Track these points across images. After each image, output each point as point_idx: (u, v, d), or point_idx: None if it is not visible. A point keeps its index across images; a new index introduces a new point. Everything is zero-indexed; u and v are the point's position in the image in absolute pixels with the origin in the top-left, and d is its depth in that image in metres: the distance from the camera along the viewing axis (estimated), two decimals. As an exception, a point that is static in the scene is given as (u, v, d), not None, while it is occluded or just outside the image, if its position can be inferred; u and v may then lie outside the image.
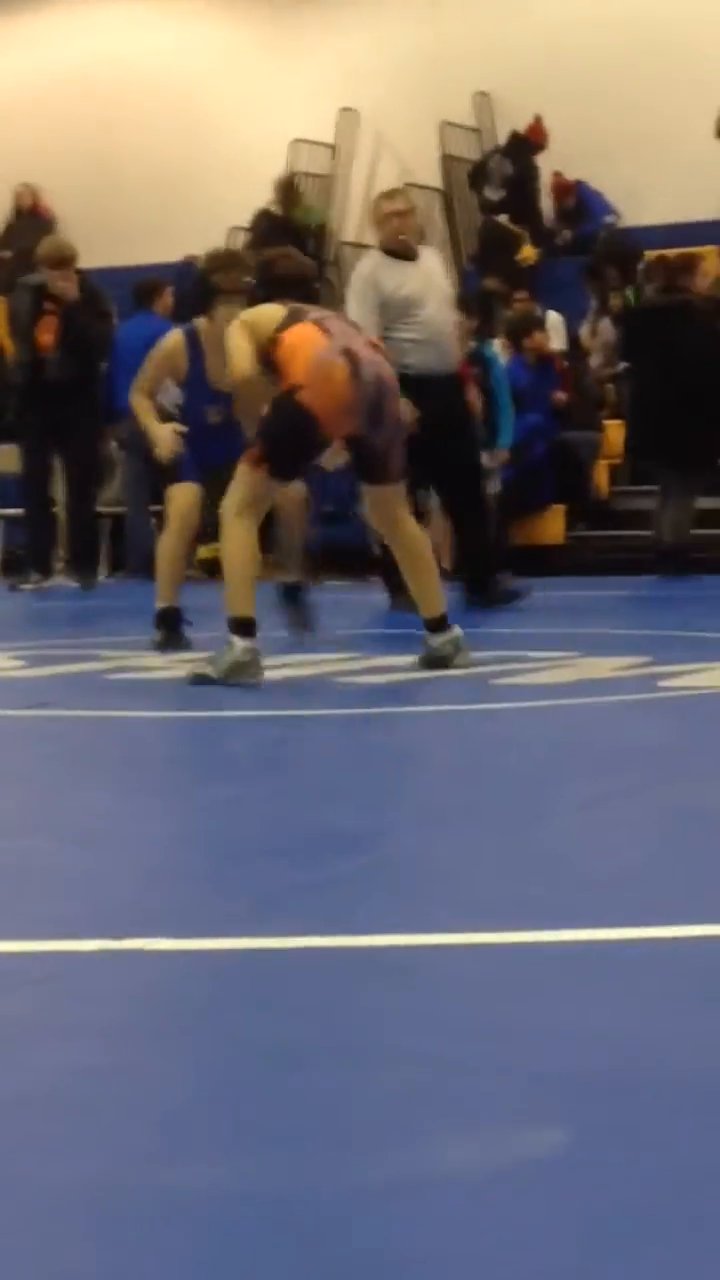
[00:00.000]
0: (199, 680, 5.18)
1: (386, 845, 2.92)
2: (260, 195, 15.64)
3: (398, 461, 5.54)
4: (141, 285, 12.04)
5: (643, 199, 14.43)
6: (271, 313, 5.55)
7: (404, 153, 16.18)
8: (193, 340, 6.45)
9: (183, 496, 6.42)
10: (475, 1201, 1.43)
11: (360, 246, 16.44)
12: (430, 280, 8.12)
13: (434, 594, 5.62)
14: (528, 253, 14.62)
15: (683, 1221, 1.40)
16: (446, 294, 8.23)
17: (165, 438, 6.35)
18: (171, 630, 6.40)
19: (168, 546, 6.53)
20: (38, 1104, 1.68)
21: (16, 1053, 1.84)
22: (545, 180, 15.31)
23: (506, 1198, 1.44)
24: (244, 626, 5.23)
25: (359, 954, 2.21)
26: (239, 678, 5.12)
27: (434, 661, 5.54)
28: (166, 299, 11.68)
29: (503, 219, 15.16)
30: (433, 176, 16.15)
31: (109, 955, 2.18)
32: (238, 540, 5.39)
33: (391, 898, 2.52)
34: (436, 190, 16.19)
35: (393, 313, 7.96)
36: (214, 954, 2.21)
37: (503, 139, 15.77)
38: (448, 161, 16.06)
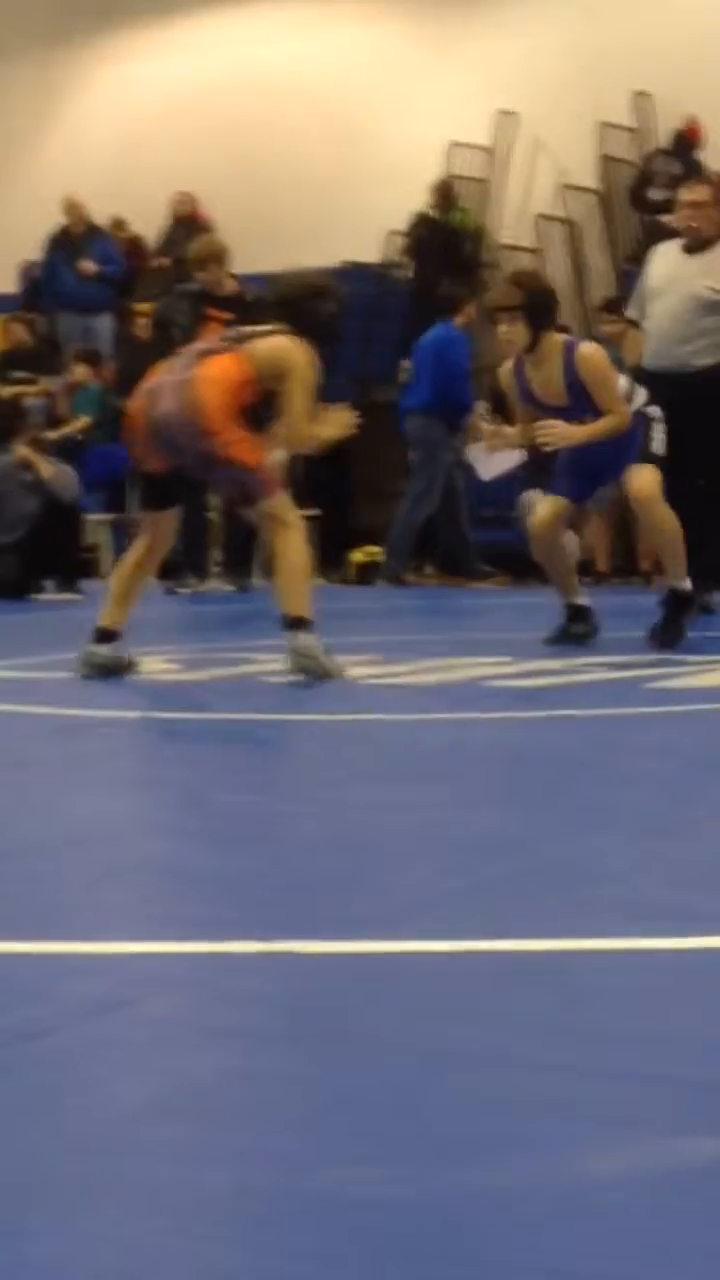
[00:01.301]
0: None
1: (539, 850, 2.90)
2: (417, 199, 15.65)
3: (234, 486, 5.73)
4: (445, 297, 12.58)
5: None
6: None
7: (561, 155, 16.11)
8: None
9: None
10: (624, 1210, 1.42)
11: (517, 249, 16.41)
12: (688, 278, 7.88)
13: (297, 597, 5.53)
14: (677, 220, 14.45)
15: None
16: (696, 293, 7.85)
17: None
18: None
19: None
20: (184, 1108, 1.69)
21: (164, 1056, 1.85)
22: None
23: (655, 1207, 1.42)
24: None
25: (511, 959, 2.20)
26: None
27: (303, 667, 5.42)
28: (470, 311, 12.02)
29: (666, 219, 15.02)
30: (590, 178, 16.07)
31: (258, 958, 2.18)
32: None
33: (547, 903, 2.50)
34: (594, 192, 16.10)
35: (644, 300, 8.10)
36: (364, 957, 2.21)
37: (662, 139, 15.64)
38: (605, 162, 15.96)
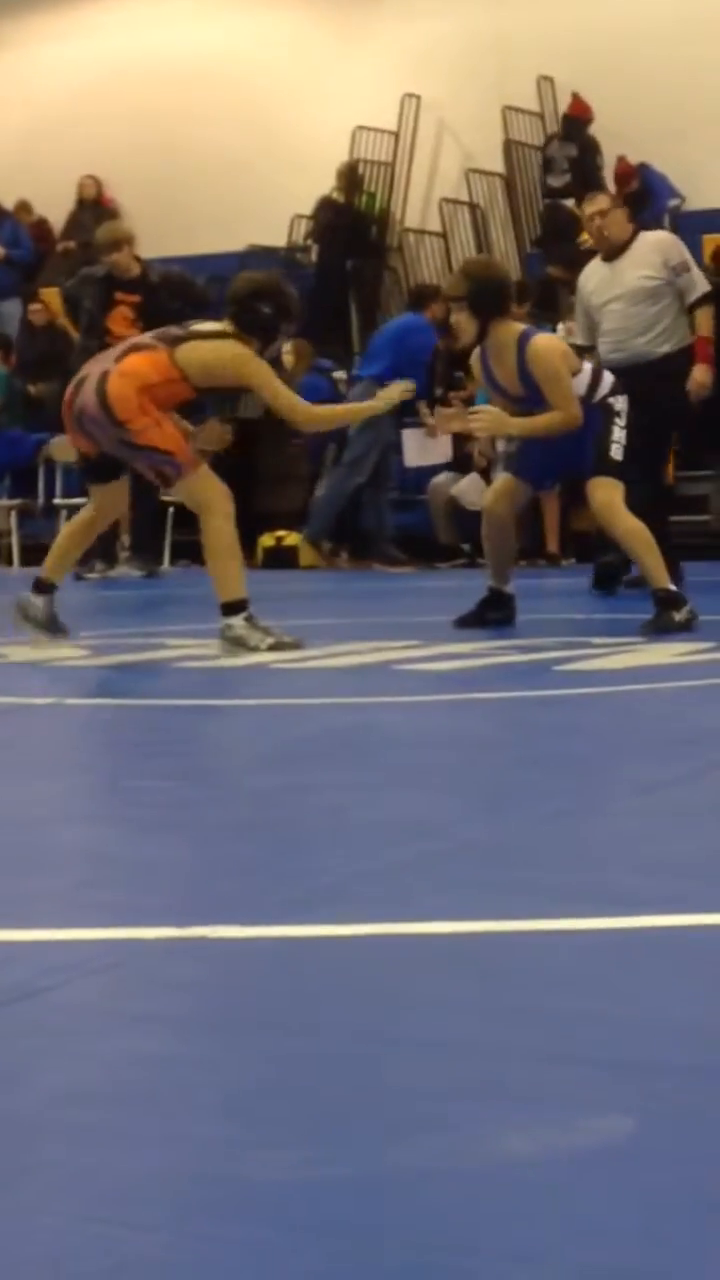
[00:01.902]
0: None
1: (451, 832, 2.92)
2: (323, 183, 15.64)
3: (152, 470, 5.98)
4: (417, 289, 12.71)
5: (709, 182, 14.36)
6: None
7: (466, 139, 16.15)
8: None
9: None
10: (540, 1189, 1.43)
11: (423, 233, 16.43)
12: (614, 279, 8.11)
13: (226, 580, 5.88)
14: (588, 237, 14.56)
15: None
16: (634, 287, 8.06)
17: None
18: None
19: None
20: (103, 1095, 1.69)
21: (81, 1043, 1.85)
22: (609, 162, 15.23)
23: (569, 1183, 1.44)
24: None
25: (424, 941, 2.21)
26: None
27: (232, 652, 5.72)
28: (437, 308, 12.09)
29: (568, 204, 15.10)
30: (495, 162, 16.10)
31: (173, 943, 2.19)
32: None
33: (460, 885, 2.52)
34: (499, 176, 16.14)
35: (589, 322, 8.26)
36: (278, 941, 2.22)
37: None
38: (510, 146, 16.00)
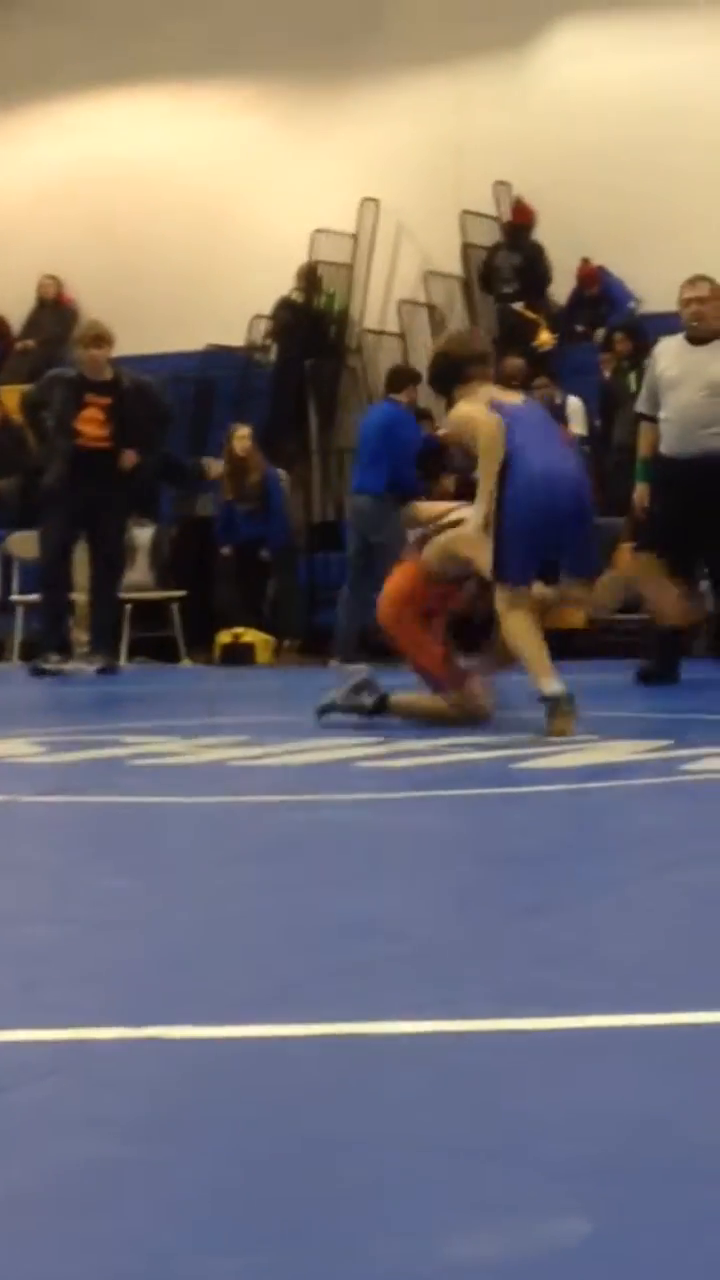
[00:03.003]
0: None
1: (409, 931, 2.91)
2: (282, 284, 15.78)
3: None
4: (394, 372, 12.74)
5: (660, 286, 14.55)
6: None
7: (425, 241, 16.33)
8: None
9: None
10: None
11: (382, 334, 16.57)
12: (700, 367, 8.30)
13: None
14: (545, 338, 14.73)
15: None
16: (713, 382, 8.28)
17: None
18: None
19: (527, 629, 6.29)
20: (51, 1199, 1.66)
21: (30, 1146, 1.82)
22: (560, 260, 15.41)
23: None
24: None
25: (380, 1041, 2.19)
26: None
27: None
28: (412, 391, 12.16)
29: (518, 306, 15.28)
30: (453, 265, 16.28)
31: (127, 1044, 2.16)
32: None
33: (413, 983, 2.50)
34: (456, 278, 16.31)
35: (655, 392, 8.50)
36: (234, 1041, 2.19)
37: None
38: (468, 250, 16.19)
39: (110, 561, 10.90)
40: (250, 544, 13.35)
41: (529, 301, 15.31)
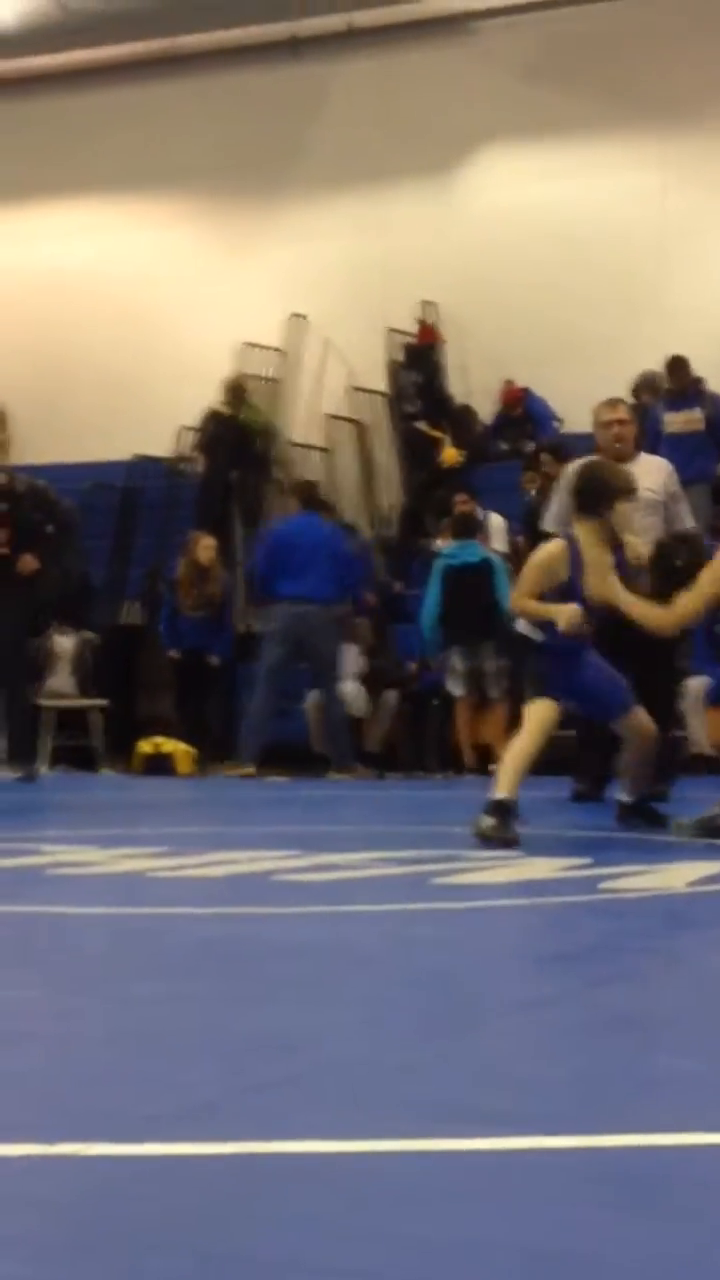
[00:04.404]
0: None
1: (324, 1047, 2.88)
2: (209, 396, 15.88)
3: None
4: (302, 486, 13.04)
5: (579, 407, 14.77)
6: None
7: (351, 358, 16.50)
8: (574, 551, 6.69)
9: (548, 711, 6.69)
10: None
11: (306, 448, 16.68)
12: None
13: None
14: (449, 455, 14.88)
15: None
16: (639, 498, 8.38)
17: (568, 612, 6.60)
18: (504, 821, 6.44)
19: (528, 749, 6.64)
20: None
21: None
22: (482, 380, 15.59)
23: None
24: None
25: (290, 1160, 2.16)
26: None
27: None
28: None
29: (421, 425, 15.45)
30: (379, 381, 16.45)
31: (39, 1160, 2.12)
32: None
33: (331, 1102, 2.47)
34: (382, 394, 16.48)
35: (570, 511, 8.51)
36: (145, 1160, 2.16)
37: (451, 343, 16.11)
38: (394, 367, 16.37)
39: (16, 666, 10.84)
40: (197, 651, 13.34)
41: (431, 419, 15.49)
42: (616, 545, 6.77)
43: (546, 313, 15.51)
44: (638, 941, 4.17)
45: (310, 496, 12.95)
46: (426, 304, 16.15)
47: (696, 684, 11.51)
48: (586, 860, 5.76)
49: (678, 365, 13.48)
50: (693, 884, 5.13)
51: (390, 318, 16.10)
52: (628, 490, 6.82)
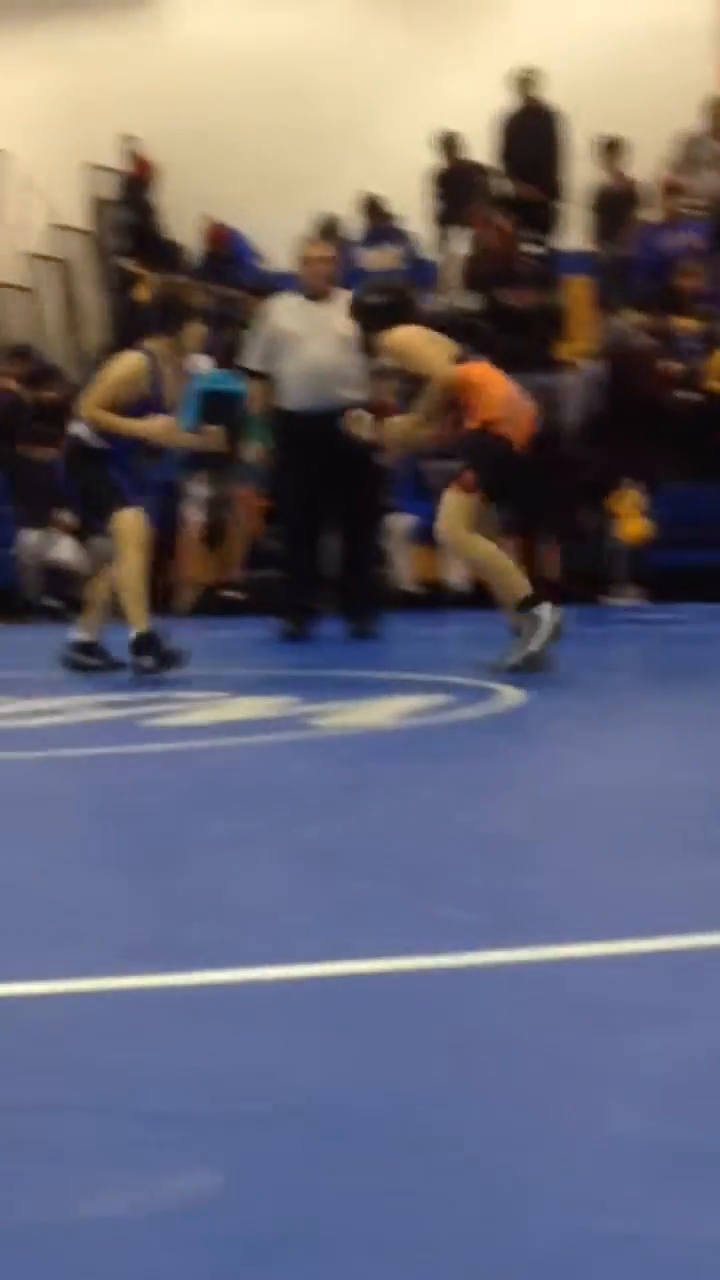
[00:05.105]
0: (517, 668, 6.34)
1: (26, 889, 2.89)
2: None
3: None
4: None
5: (280, 243, 14.68)
6: (444, 341, 6.71)
7: (52, 195, 16.11)
8: (154, 364, 6.72)
9: (136, 521, 6.64)
10: (125, 1249, 1.42)
11: (10, 287, 16.29)
12: (322, 321, 8.35)
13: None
14: (145, 293, 14.68)
15: (353, 1242, 1.40)
16: (339, 335, 8.31)
17: (161, 426, 6.69)
18: (159, 651, 6.58)
19: (134, 568, 6.60)
20: None
21: None
22: (184, 216, 15.38)
23: (160, 1244, 1.43)
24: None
25: (-8, 1003, 2.18)
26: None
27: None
28: None
29: (128, 262, 15.22)
30: (81, 219, 16.11)
31: None
32: (485, 548, 6.54)
33: (30, 942, 2.49)
34: (85, 232, 16.15)
35: (274, 347, 8.58)
36: None
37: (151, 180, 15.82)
38: (95, 203, 16.04)
39: None
40: None
41: (141, 256, 15.26)
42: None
43: (249, 148, 15.33)
44: (342, 776, 4.25)
45: None
46: (126, 138, 15.82)
47: (402, 521, 11.64)
48: (295, 699, 5.83)
49: (373, 205, 13.50)
50: (399, 717, 5.24)
51: (90, 153, 15.74)
52: (198, 312, 6.95)
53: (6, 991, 2.21)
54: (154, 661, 6.60)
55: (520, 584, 6.56)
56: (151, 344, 6.84)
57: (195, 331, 6.77)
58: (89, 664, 6.99)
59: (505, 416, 6.57)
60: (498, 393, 6.60)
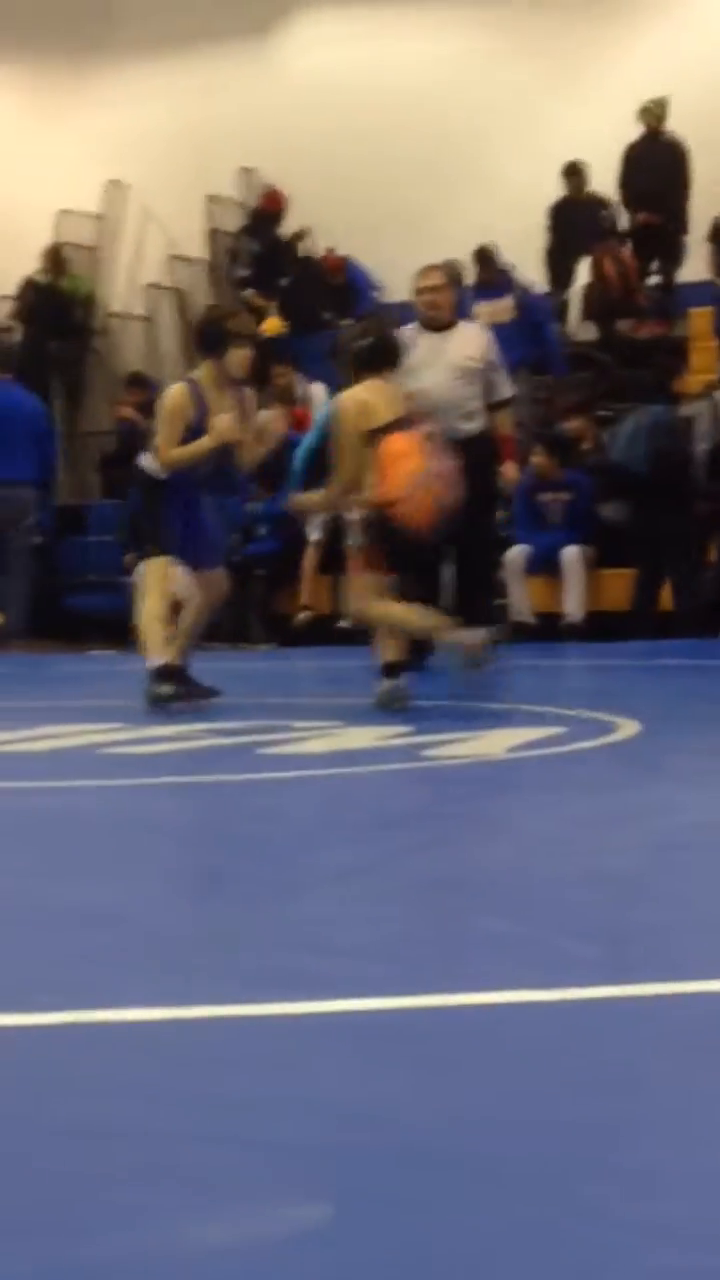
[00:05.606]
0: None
1: (145, 919, 2.91)
2: (27, 264, 15.59)
3: None
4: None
5: (399, 275, 14.72)
6: (392, 401, 6.64)
7: (170, 225, 16.26)
8: (196, 390, 6.74)
9: (162, 569, 6.84)
10: (225, 1278, 1.43)
11: (128, 317, 16.46)
12: (440, 353, 8.38)
13: None
14: (271, 324, 14.76)
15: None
16: (456, 366, 8.37)
17: (223, 425, 6.67)
18: (178, 680, 6.67)
19: (153, 611, 6.75)
20: None
21: None
22: (304, 248, 15.45)
23: (267, 1275, 1.43)
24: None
25: (105, 1030, 2.19)
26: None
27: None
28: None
29: (249, 294, 15.31)
30: (199, 249, 16.25)
31: None
32: (395, 611, 6.59)
33: (145, 971, 2.50)
34: (202, 262, 16.29)
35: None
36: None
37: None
38: (213, 234, 16.18)
39: None
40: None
41: (261, 288, 15.34)
42: (235, 387, 6.83)
43: (367, 179, 15.40)
44: (455, 807, 4.25)
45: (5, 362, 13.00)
46: (245, 170, 15.95)
47: (516, 552, 11.62)
48: (408, 729, 5.83)
49: (484, 256, 13.46)
50: (512, 750, 5.22)
51: (209, 184, 15.88)
52: (243, 335, 6.87)
53: (125, 1018, 2.22)
54: (173, 691, 6.58)
55: (401, 649, 6.60)
56: (195, 371, 6.87)
57: (240, 357, 6.71)
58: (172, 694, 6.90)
59: (403, 497, 6.41)
60: (404, 469, 6.44)
